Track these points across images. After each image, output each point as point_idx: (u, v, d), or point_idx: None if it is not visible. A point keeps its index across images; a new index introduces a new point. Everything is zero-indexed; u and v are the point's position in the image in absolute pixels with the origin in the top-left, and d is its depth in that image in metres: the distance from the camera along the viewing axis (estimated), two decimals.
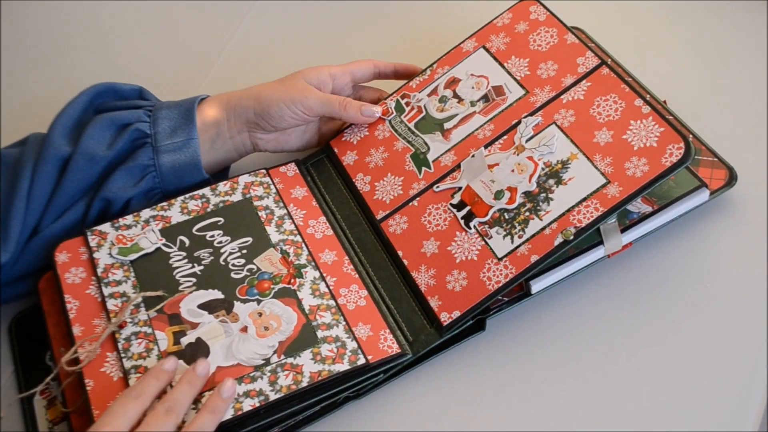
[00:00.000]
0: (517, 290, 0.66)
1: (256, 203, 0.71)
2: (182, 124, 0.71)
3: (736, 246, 0.67)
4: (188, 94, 0.74)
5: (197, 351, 0.61)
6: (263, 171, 0.73)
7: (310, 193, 0.73)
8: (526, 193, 0.65)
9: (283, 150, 0.75)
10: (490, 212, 0.66)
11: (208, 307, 0.64)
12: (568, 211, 0.63)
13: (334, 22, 0.91)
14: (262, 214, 0.70)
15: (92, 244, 0.68)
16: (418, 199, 0.70)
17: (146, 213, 0.70)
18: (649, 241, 0.67)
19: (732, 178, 0.68)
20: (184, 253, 0.68)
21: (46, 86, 0.90)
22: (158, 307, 0.64)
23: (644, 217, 0.66)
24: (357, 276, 0.67)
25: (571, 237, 0.62)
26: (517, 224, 0.65)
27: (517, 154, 0.68)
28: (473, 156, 0.69)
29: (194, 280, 0.66)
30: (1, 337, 0.72)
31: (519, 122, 0.69)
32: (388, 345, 0.63)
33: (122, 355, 0.62)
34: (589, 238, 0.64)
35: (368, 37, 0.88)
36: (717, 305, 0.65)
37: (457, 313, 0.63)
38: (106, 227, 0.69)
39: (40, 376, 0.69)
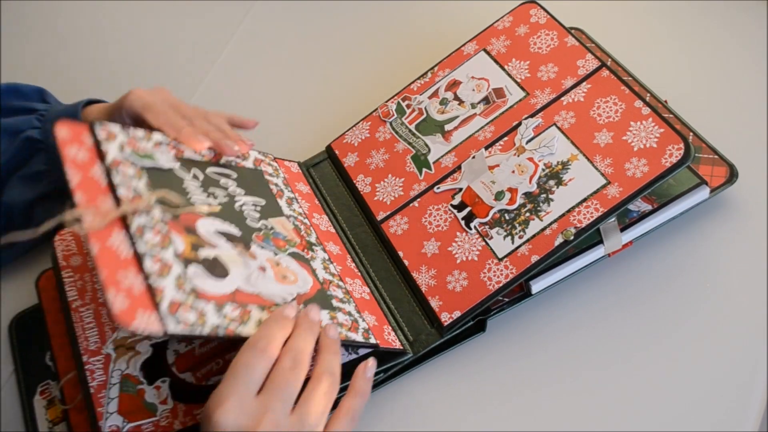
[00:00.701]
0: (517, 290, 0.66)
1: (266, 177, 0.68)
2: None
3: (737, 243, 0.67)
4: (188, 95, 0.74)
5: (215, 268, 0.55)
6: (271, 156, 0.71)
7: (312, 192, 0.73)
8: (527, 194, 0.66)
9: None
10: (491, 213, 0.66)
11: (225, 236, 0.58)
12: (569, 211, 0.64)
13: (334, 22, 0.91)
14: (272, 187, 0.67)
15: (100, 136, 0.58)
16: (418, 200, 0.70)
17: (157, 135, 0.62)
18: (649, 239, 0.68)
19: (732, 175, 0.68)
20: (199, 184, 0.61)
21: (46, 86, 0.90)
22: (176, 213, 0.56)
23: (644, 216, 0.66)
24: (359, 273, 0.67)
25: (572, 237, 0.62)
26: (517, 225, 0.65)
27: (518, 156, 0.68)
28: (474, 157, 0.69)
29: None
30: (0, 337, 0.72)
31: (519, 124, 0.69)
32: (392, 339, 0.63)
33: (134, 240, 0.52)
34: (589, 237, 0.64)
35: (368, 38, 0.88)
36: (717, 304, 0.65)
37: (457, 313, 0.63)
38: (114, 127, 0.59)
39: (40, 376, 0.69)
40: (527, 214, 0.65)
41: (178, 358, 0.63)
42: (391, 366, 0.63)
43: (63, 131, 0.57)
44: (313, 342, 0.55)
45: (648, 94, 0.74)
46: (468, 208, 0.67)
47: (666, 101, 0.74)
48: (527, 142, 0.68)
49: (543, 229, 0.64)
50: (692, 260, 0.67)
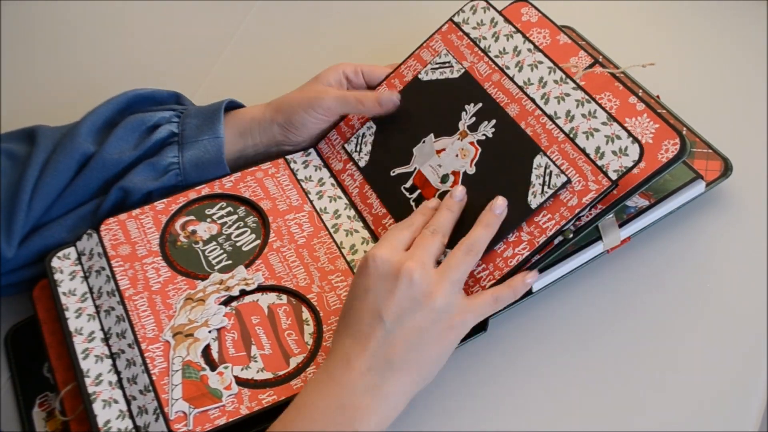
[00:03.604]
0: None
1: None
2: (208, 123, 0.71)
3: (734, 236, 0.68)
4: (188, 94, 0.74)
5: None
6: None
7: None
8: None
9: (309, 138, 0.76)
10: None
11: None
12: None
13: (335, 22, 0.91)
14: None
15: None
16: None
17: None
18: (647, 234, 0.68)
19: (727, 169, 0.68)
20: None
21: (46, 86, 0.90)
22: None
23: (641, 212, 0.66)
24: None
25: (570, 235, 0.63)
26: None
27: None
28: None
29: None
30: None
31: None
32: None
33: None
34: (587, 234, 0.64)
35: (368, 37, 0.89)
36: (716, 298, 0.66)
37: None
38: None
39: (38, 388, 0.69)
40: None
41: (268, 367, 0.63)
42: None
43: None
44: (453, 219, 0.64)
45: (640, 90, 0.75)
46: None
47: (658, 96, 0.75)
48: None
49: None
50: (690, 254, 0.68)
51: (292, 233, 0.69)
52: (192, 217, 0.71)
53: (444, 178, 0.68)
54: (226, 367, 0.61)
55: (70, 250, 0.69)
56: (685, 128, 0.72)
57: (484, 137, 0.68)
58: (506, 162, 0.66)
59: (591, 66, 0.69)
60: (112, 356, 0.63)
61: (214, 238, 0.70)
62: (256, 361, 0.62)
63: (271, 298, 0.65)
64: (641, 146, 0.61)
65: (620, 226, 0.66)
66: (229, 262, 0.68)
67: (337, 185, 0.73)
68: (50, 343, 0.68)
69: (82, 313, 0.66)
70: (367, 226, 0.69)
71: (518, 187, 0.64)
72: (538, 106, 0.66)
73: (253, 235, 0.70)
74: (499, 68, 0.70)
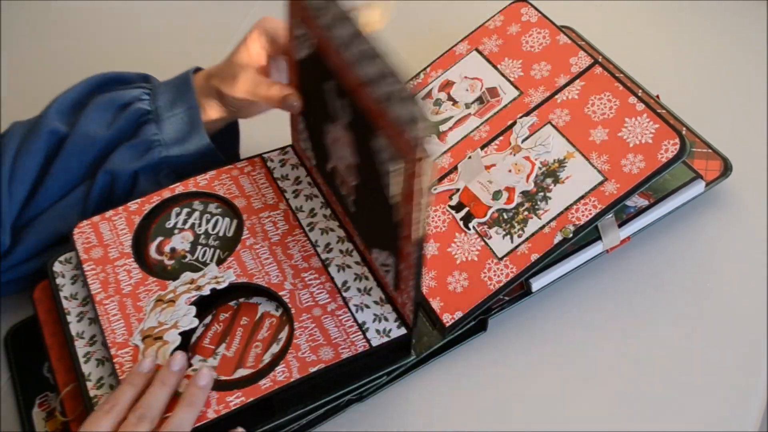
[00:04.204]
0: (517, 289, 0.66)
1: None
2: (180, 95, 0.70)
3: (734, 236, 0.68)
4: None
5: None
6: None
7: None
8: (524, 193, 0.66)
9: (257, 114, 0.74)
10: (489, 212, 0.66)
11: None
12: (567, 209, 0.64)
13: None
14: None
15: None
16: None
17: None
18: (646, 234, 0.68)
19: (727, 169, 0.68)
20: None
21: (46, 86, 0.89)
22: None
23: (641, 211, 0.66)
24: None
25: (570, 235, 0.63)
26: (516, 224, 0.65)
27: (514, 155, 0.68)
28: (470, 157, 0.69)
29: None
30: None
31: (515, 123, 0.70)
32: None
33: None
34: (587, 234, 0.64)
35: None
36: (716, 298, 0.66)
37: (459, 314, 0.63)
38: None
39: (38, 388, 0.69)
40: (525, 213, 0.65)
41: (218, 368, 0.63)
42: (394, 369, 0.63)
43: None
44: (167, 395, 0.57)
45: (640, 90, 0.75)
46: (466, 209, 0.67)
47: (658, 96, 0.75)
48: (523, 140, 0.68)
49: (542, 228, 0.64)
50: (690, 254, 0.68)
51: (266, 231, 0.68)
52: (160, 238, 0.70)
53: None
54: (194, 370, 0.60)
55: (72, 255, 0.69)
56: (684, 128, 0.72)
57: None
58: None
59: (591, 66, 0.69)
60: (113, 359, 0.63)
61: (196, 243, 0.69)
62: (214, 358, 0.62)
63: (271, 307, 0.65)
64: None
65: (620, 225, 0.66)
66: (225, 253, 0.68)
67: (314, 184, 0.72)
68: (51, 344, 0.68)
69: (83, 317, 0.66)
70: (342, 225, 0.69)
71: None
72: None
73: (227, 219, 0.69)
74: None
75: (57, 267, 0.68)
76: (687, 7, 0.85)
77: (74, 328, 0.65)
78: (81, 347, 0.64)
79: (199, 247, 0.69)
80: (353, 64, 0.52)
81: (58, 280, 0.68)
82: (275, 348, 0.62)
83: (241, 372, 0.61)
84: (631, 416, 0.62)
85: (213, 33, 0.93)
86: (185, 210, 0.71)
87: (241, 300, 0.65)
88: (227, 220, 0.69)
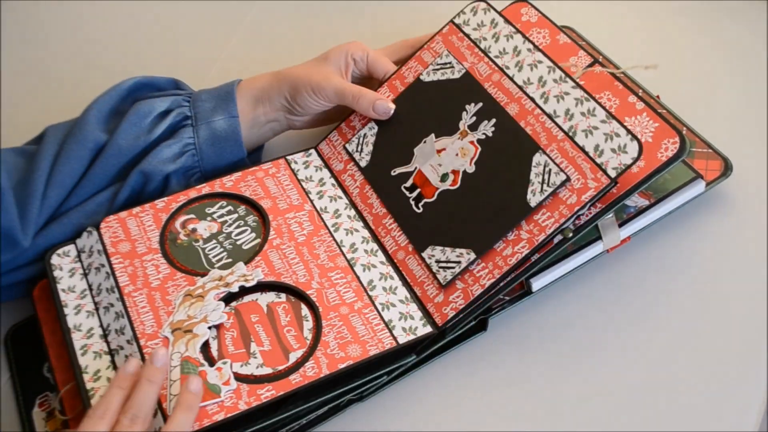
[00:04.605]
0: (518, 289, 0.66)
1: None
2: (222, 104, 0.72)
3: (734, 236, 0.68)
4: None
5: None
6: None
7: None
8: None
9: (317, 126, 0.77)
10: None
11: None
12: None
13: (335, 22, 0.91)
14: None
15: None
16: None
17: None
18: (647, 234, 0.68)
19: (727, 168, 0.68)
20: None
21: (46, 86, 0.90)
22: None
23: (641, 211, 0.66)
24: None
25: (570, 234, 0.63)
26: None
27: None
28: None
29: None
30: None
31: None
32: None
33: None
34: (587, 234, 0.64)
35: (368, 37, 0.88)
36: (716, 298, 0.66)
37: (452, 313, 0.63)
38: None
39: (38, 388, 0.69)
40: None
41: (268, 363, 0.63)
42: (394, 368, 0.63)
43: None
44: (155, 391, 0.57)
45: (640, 90, 0.75)
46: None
47: (658, 96, 0.75)
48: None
49: None
50: (690, 253, 0.68)
51: (292, 231, 0.69)
52: (192, 216, 0.71)
53: (444, 177, 0.68)
54: (224, 363, 0.61)
55: (70, 248, 0.69)
56: (684, 128, 0.72)
57: (484, 136, 0.68)
58: (505, 161, 0.66)
59: (590, 65, 0.69)
60: (111, 353, 0.63)
61: (214, 237, 0.70)
62: (255, 358, 0.62)
63: (270, 297, 0.65)
64: (640, 144, 0.61)
65: (620, 225, 0.66)
66: (229, 260, 0.68)
67: (338, 185, 0.73)
68: (50, 342, 0.68)
69: (81, 309, 0.66)
70: (367, 225, 0.69)
71: (517, 185, 0.64)
72: (537, 105, 0.67)
73: (253, 234, 0.70)
74: (499, 68, 0.70)
75: (55, 260, 0.69)
76: (687, 7, 0.85)
77: (71, 320, 0.65)
78: (78, 339, 0.64)
79: (213, 242, 0.69)
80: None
81: (56, 273, 0.68)
82: (308, 324, 0.63)
83: (294, 355, 0.62)
84: (632, 416, 0.62)
85: (213, 33, 0.94)
86: (228, 207, 0.72)
87: (234, 304, 0.65)
88: (253, 235, 0.70)
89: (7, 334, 0.73)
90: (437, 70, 0.73)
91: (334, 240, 0.69)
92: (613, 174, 0.61)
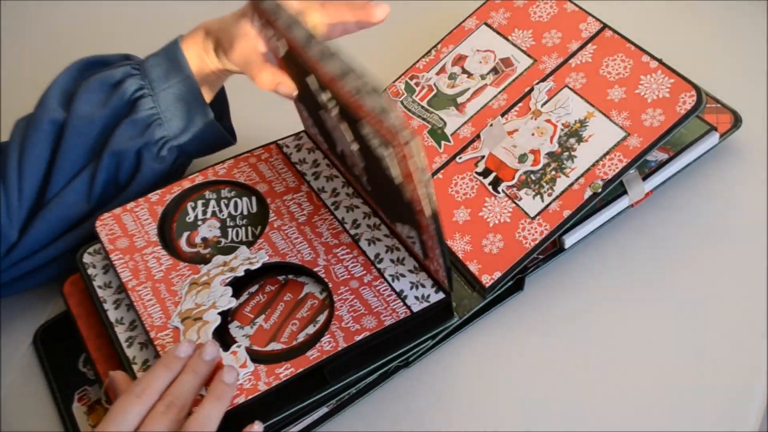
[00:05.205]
0: (550, 247, 0.68)
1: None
2: (173, 66, 0.70)
3: (748, 184, 0.70)
4: None
5: None
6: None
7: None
8: (549, 154, 0.68)
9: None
10: (517, 175, 0.68)
11: None
12: (593, 165, 0.66)
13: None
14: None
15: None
16: (441, 171, 0.71)
17: None
18: (667, 187, 0.70)
19: (737, 121, 0.71)
20: None
21: (46, 86, 0.88)
22: None
23: (662, 165, 0.69)
24: None
25: (600, 189, 0.65)
26: (544, 183, 0.67)
27: (535, 119, 0.70)
28: (491, 125, 0.71)
29: None
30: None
31: (532, 89, 0.72)
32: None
33: None
34: (613, 190, 0.66)
35: (369, 37, 0.89)
36: (735, 248, 0.68)
37: (498, 274, 0.65)
38: None
39: (75, 384, 0.68)
40: (552, 173, 0.67)
41: (253, 337, 0.63)
42: (438, 332, 0.64)
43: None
44: (198, 385, 0.55)
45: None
46: (493, 174, 0.69)
47: (661, 59, 0.77)
48: (542, 105, 0.70)
49: (571, 185, 0.66)
50: (708, 203, 0.70)
51: (291, 212, 0.69)
52: (186, 232, 0.69)
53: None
54: (238, 346, 0.60)
55: (100, 246, 0.69)
56: None
57: None
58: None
59: (601, 30, 0.72)
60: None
61: (225, 226, 0.69)
62: (251, 327, 0.62)
63: (316, 289, 0.65)
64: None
65: (643, 179, 0.68)
66: (258, 228, 0.68)
67: (332, 165, 0.73)
68: (87, 336, 0.67)
69: (120, 303, 0.66)
70: (366, 201, 0.70)
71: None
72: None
73: (245, 198, 0.70)
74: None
75: (87, 258, 0.68)
76: (687, 7, 0.86)
77: (112, 315, 0.65)
78: (122, 332, 0.64)
79: (230, 230, 0.69)
80: (318, 63, 0.53)
81: (90, 271, 0.68)
82: (311, 329, 0.63)
83: (273, 346, 0.62)
84: (631, 416, 0.62)
85: None
86: (200, 202, 0.71)
87: (290, 276, 0.65)
88: (245, 199, 0.70)
89: (35, 334, 0.72)
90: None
91: (335, 218, 0.68)
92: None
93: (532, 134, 0.69)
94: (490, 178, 0.69)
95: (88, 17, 0.97)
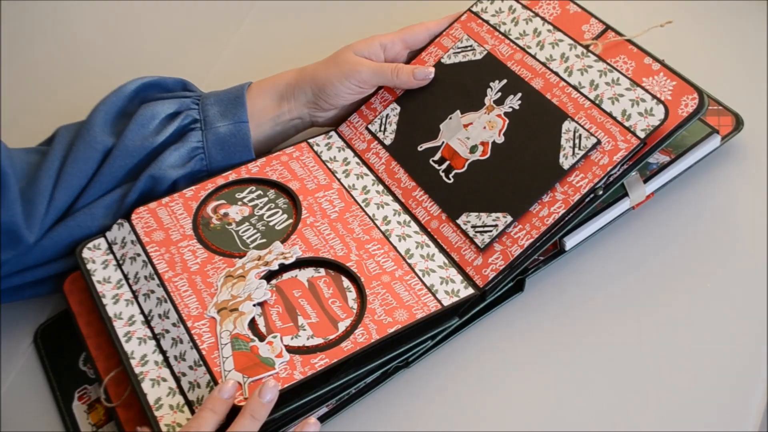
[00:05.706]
0: (551, 249, 0.68)
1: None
2: (231, 108, 0.72)
3: (750, 186, 0.70)
4: None
5: None
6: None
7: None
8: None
9: (338, 124, 0.78)
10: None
11: None
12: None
13: (336, 21, 0.92)
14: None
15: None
16: None
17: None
18: (668, 190, 0.70)
19: (739, 123, 0.71)
20: None
21: (46, 86, 0.89)
22: None
23: (663, 167, 0.69)
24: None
25: (601, 191, 0.65)
26: None
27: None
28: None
29: None
30: None
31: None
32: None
33: None
34: (614, 192, 0.66)
35: (367, 30, 0.90)
36: (736, 250, 0.68)
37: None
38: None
39: (76, 382, 0.68)
40: None
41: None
42: (438, 332, 0.64)
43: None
44: (256, 428, 0.56)
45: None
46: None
47: (663, 60, 0.77)
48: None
49: None
50: (709, 205, 0.70)
51: (323, 209, 0.70)
52: (223, 201, 0.71)
53: (473, 149, 0.70)
54: (274, 337, 0.61)
55: (100, 241, 0.69)
56: None
57: (511, 109, 0.70)
58: (535, 129, 0.68)
59: (604, 31, 0.72)
60: (156, 337, 0.63)
61: (247, 220, 0.70)
62: (304, 330, 0.62)
63: (309, 272, 0.66)
64: (666, 106, 0.63)
65: (644, 182, 0.68)
66: (263, 240, 0.68)
67: (362, 164, 0.74)
68: (87, 334, 0.67)
69: (119, 298, 0.66)
70: (396, 199, 0.71)
71: (548, 150, 0.66)
72: (562, 79, 0.69)
73: (285, 215, 0.70)
74: (521, 48, 0.72)
75: (86, 253, 0.68)
76: (687, 8, 0.86)
77: (111, 309, 0.65)
78: (120, 327, 0.64)
79: (246, 224, 0.70)
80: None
81: (89, 266, 0.68)
82: (352, 294, 0.64)
83: (343, 324, 0.63)
84: (631, 416, 0.62)
85: (213, 33, 0.94)
86: (258, 191, 0.72)
87: (274, 282, 0.66)
88: (285, 216, 0.70)
89: (35, 334, 0.72)
90: (458, 53, 0.75)
91: (366, 214, 0.70)
92: (642, 135, 0.63)
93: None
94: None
95: (89, 17, 0.96)
